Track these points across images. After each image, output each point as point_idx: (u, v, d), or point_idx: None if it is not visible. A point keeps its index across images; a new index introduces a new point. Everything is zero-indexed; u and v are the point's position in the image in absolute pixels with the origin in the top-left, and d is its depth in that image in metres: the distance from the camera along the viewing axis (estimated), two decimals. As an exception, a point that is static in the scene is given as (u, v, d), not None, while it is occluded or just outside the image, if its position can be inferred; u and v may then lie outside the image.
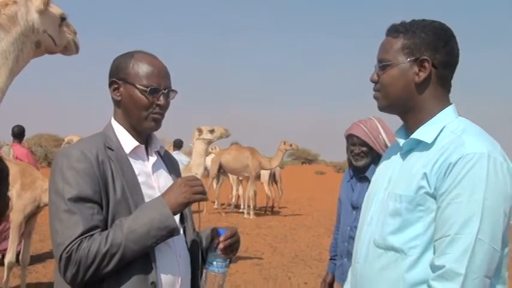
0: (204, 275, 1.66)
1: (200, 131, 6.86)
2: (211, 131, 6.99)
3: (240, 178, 13.35)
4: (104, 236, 1.47)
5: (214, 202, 13.27)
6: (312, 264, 7.36)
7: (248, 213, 12.46)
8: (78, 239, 1.45)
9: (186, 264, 1.68)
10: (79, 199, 1.48)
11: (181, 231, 1.70)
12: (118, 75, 1.66)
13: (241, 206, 13.27)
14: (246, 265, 7.14)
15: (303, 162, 46.55)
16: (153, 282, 1.53)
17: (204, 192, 1.58)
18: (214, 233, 1.71)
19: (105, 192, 1.53)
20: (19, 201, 4.78)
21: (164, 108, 1.67)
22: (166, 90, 1.66)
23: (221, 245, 1.64)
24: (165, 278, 1.58)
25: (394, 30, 1.54)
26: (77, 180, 1.50)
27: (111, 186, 1.54)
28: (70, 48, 3.10)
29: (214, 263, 1.63)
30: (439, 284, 1.33)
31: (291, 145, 12.26)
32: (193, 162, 6.74)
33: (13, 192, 4.76)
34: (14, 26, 2.68)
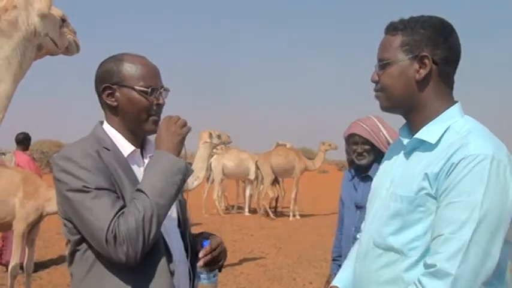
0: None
1: (210, 135, 6.83)
2: (219, 136, 7.03)
3: (242, 180, 13.38)
4: (133, 207, 1.45)
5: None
6: (317, 264, 7.35)
7: (294, 215, 12.47)
8: (115, 218, 1.43)
9: (183, 270, 1.65)
10: (100, 189, 1.46)
11: (179, 235, 1.68)
12: (111, 80, 1.62)
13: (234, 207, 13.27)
14: (250, 266, 7.14)
15: (305, 162, 46.28)
16: None
17: (186, 123, 1.60)
18: (199, 244, 1.67)
19: (116, 186, 1.52)
20: (22, 210, 4.77)
21: (162, 108, 1.66)
22: (162, 89, 1.65)
23: (200, 263, 1.61)
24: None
25: (392, 28, 1.51)
26: (90, 176, 1.47)
27: (119, 182, 1.53)
28: (71, 49, 3.08)
29: (202, 275, 1.61)
30: (428, 280, 1.30)
31: (330, 145, 12.58)
32: (195, 165, 6.62)
33: (15, 200, 4.75)
34: (16, 31, 2.66)
